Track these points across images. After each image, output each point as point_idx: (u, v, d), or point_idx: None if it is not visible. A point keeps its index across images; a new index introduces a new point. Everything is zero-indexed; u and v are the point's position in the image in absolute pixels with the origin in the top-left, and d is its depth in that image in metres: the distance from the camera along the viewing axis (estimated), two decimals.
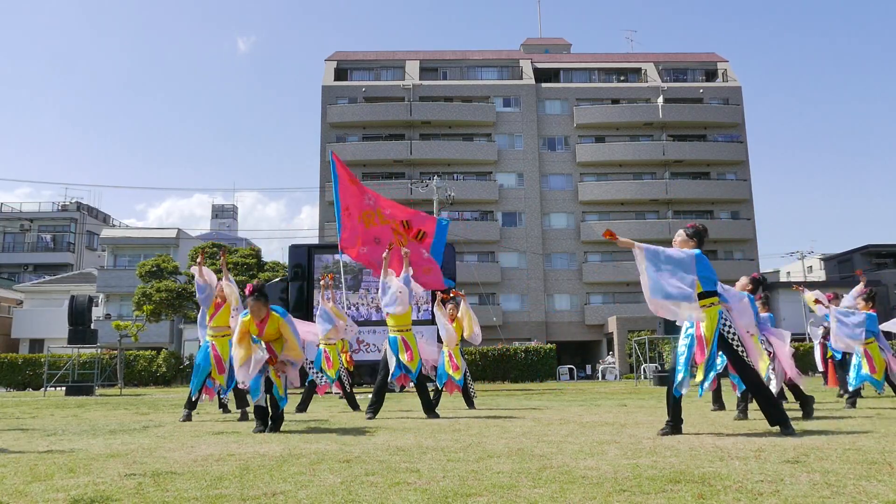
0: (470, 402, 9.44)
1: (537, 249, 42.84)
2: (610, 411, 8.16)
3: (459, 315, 9.46)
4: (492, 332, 33.79)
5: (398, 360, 7.74)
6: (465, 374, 9.38)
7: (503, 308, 41.43)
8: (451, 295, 9.54)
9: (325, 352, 9.40)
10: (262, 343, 6.23)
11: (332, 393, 11.30)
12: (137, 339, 29.24)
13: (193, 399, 8.17)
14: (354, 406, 9.36)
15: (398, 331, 7.87)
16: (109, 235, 43.34)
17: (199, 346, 8.55)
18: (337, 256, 18.64)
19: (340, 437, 5.40)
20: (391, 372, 7.76)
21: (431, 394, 8.66)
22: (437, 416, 7.65)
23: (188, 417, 7.87)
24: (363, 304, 18.29)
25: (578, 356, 42.00)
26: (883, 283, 42.84)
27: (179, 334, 37.50)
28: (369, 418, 7.44)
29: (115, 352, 25.64)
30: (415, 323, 8.51)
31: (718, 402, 8.40)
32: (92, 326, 19.69)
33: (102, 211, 54.79)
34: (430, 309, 17.79)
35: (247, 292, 6.21)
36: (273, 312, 6.25)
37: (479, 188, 43.14)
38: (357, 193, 10.45)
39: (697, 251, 5.33)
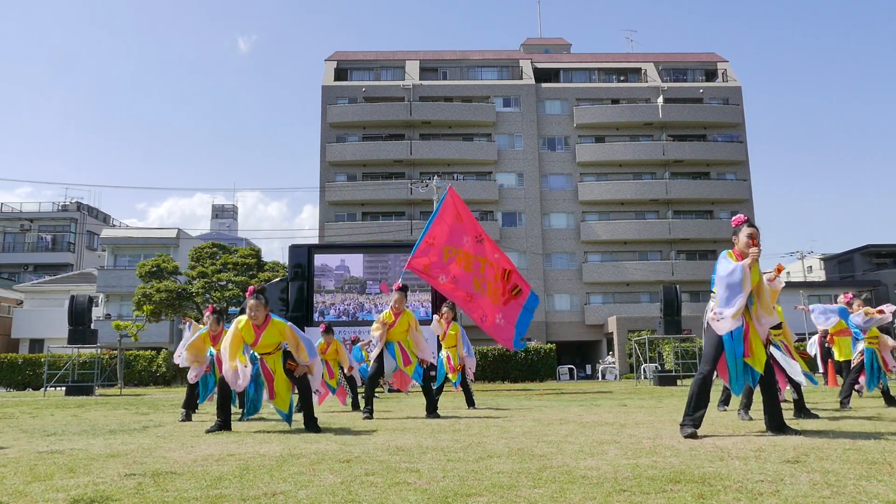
0: (470, 402, 9.54)
1: (537, 249, 42.83)
2: (610, 411, 8.16)
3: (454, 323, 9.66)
4: None
5: (396, 363, 7.94)
6: (462, 374, 9.63)
7: None
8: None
9: (326, 363, 9.54)
10: (255, 356, 6.15)
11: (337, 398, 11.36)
12: (137, 339, 29.25)
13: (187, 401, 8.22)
14: (356, 405, 9.52)
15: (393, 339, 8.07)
16: (109, 235, 43.34)
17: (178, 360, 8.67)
18: (341, 258, 18.68)
19: (340, 437, 5.40)
20: (390, 369, 7.93)
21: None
22: (437, 416, 7.73)
23: (187, 418, 7.88)
24: (367, 302, 18.31)
25: (578, 356, 42.00)
26: (883, 284, 42.87)
27: (179, 334, 37.46)
28: (366, 418, 7.47)
29: (115, 352, 25.64)
30: (419, 323, 8.54)
31: (728, 404, 8.37)
32: (92, 326, 19.68)
33: (102, 211, 54.81)
34: (429, 309, 17.80)
35: (247, 294, 6.10)
36: (275, 319, 6.09)
37: (479, 188, 43.14)
38: (456, 231, 10.07)
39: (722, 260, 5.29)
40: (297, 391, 6.28)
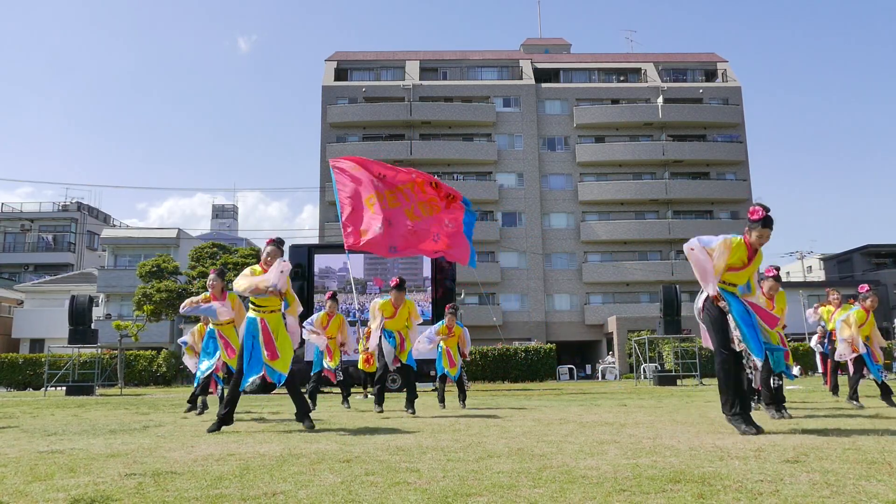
0: (462, 399, 9.65)
1: (537, 249, 42.83)
2: (610, 411, 8.16)
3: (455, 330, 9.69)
4: (492, 332, 33.87)
5: (395, 350, 8.16)
6: (461, 371, 9.70)
7: (503, 308, 41.43)
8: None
9: (326, 346, 9.62)
10: (255, 320, 6.22)
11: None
12: (138, 339, 29.26)
13: (200, 388, 8.18)
14: (346, 398, 9.68)
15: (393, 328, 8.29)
16: (110, 235, 43.35)
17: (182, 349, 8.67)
18: (343, 260, 18.66)
19: (340, 437, 5.41)
20: (389, 354, 8.14)
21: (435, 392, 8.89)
22: (413, 412, 7.92)
23: (202, 411, 7.93)
24: (368, 302, 18.35)
25: (578, 356, 42.02)
26: (882, 284, 42.87)
27: (180, 334, 37.48)
28: (379, 412, 7.83)
29: (116, 352, 25.65)
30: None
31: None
32: (92, 326, 19.68)
33: (103, 211, 54.82)
34: (425, 309, 17.80)
35: (267, 242, 6.28)
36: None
37: (479, 188, 43.14)
38: (362, 182, 10.12)
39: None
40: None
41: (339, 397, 12.94)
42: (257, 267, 6.21)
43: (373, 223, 9.74)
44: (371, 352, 8.51)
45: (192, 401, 8.22)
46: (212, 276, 8.04)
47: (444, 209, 10.12)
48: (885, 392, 8.54)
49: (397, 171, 10.34)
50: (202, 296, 8.06)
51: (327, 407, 10.25)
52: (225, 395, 8.44)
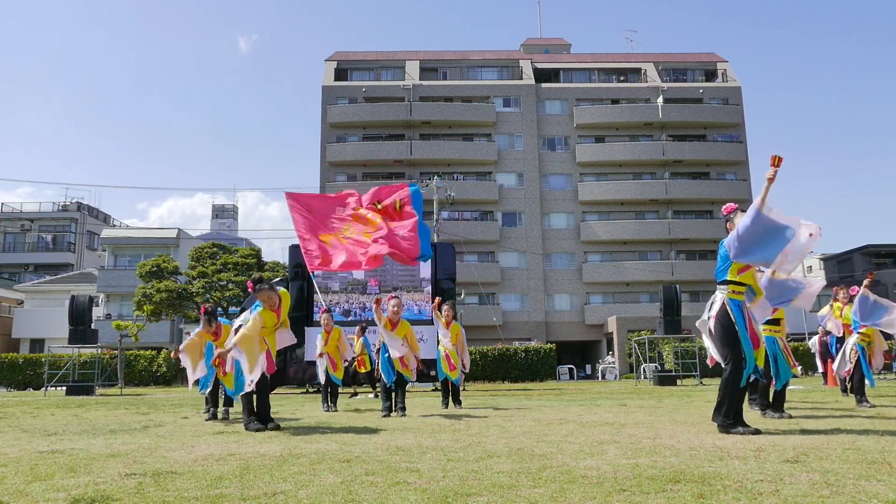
0: (457, 400, 9.79)
1: (537, 249, 42.83)
2: (610, 411, 8.16)
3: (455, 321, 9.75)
4: (492, 332, 33.86)
5: (392, 367, 8.35)
6: (461, 376, 9.91)
7: (503, 308, 41.42)
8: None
9: (329, 356, 9.72)
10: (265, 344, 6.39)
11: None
12: (138, 338, 29.27)
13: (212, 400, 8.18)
14: (325, 401, 9.71)
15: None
16: (110, 235, 43.35)
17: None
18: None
19: (340, 437, 5.41)
20: (391, 377, 8.37)
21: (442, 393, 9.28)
22: (404, 413, 8.14)
23: (213, 416, 7.93)
24: (368, 301, 18.33)
25: (578, 356, 42.01)
26: (882, 283, 42.86)
27: (180, 334, 37.50)
28: (384, 417, 7.92)
29: (116, 352, 25.65)
30: (415, 323, 8.81)
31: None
32: (92, 326, 19.69)
33: (103, 211, 54.80)
34: (422, 308, 17.80)
35: (250, 287, 6.39)
36: (283, 290, 6.67)
37: (479, 188, 43.14)
38: (318, 219, 10.34)
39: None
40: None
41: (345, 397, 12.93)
42: (266, 311, 6.38)
43: (333, 252, 9.94)
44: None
45: (213, 409, 8.14)
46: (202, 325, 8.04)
47: (400, 218, 10.23)
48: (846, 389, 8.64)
49: (345, 205, 10.46)
50: (198, 332, 8.02)
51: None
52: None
